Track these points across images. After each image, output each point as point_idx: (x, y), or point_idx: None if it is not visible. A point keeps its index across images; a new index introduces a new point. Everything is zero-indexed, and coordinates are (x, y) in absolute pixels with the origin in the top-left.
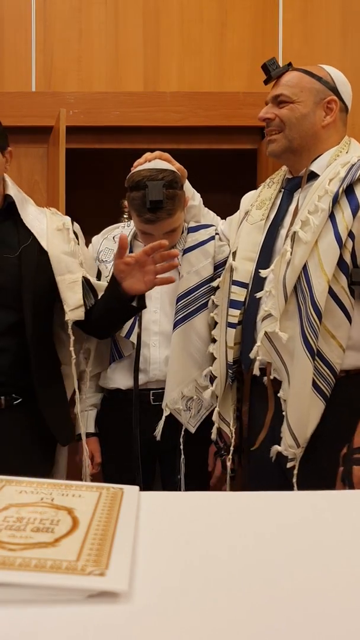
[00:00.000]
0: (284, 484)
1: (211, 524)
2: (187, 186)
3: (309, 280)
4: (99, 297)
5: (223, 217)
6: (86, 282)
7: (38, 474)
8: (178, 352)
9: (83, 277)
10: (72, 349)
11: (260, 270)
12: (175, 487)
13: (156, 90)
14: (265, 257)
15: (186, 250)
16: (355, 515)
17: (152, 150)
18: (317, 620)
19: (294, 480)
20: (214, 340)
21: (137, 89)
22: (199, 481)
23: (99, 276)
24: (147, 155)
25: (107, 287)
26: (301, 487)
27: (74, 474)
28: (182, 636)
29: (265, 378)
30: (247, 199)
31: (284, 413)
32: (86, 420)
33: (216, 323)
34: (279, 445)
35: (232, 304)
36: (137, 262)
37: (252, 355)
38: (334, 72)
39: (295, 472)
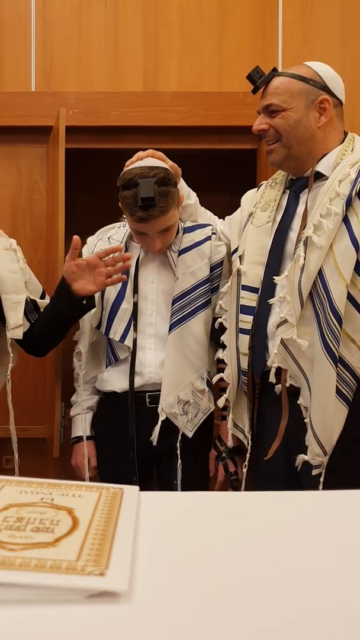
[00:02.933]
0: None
1: (211, 524)
2: (182, 185)
3: (325, 285)
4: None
5: (222, 218)
6: (31, 302)
7: None
8: (174, 355)
9: (28, 297)
10: (11, 365)
11: (274, 277)
12: (172, 490)
13: (156, 90)
14: (275, 261)
15: (182, 251)
16: (355, 515)
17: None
18: (317, 620)
19: (320, 487)
20: (223, 346)
21: (136, 89)
22: (197, 485)
23: (43, 295)
24: (140, 154)
25: (57, 289)
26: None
27: (70, 477)
28: (182, 636)
29: (278, 385)
30: (248, 199)
31: (305, 420)
32: (82, 423)
33: (224, 328)
34: (301, 453)
35: (243, 309)
36: (89, 265)
37: (269, 363)
38: (322, 68)
39: (322, 479)
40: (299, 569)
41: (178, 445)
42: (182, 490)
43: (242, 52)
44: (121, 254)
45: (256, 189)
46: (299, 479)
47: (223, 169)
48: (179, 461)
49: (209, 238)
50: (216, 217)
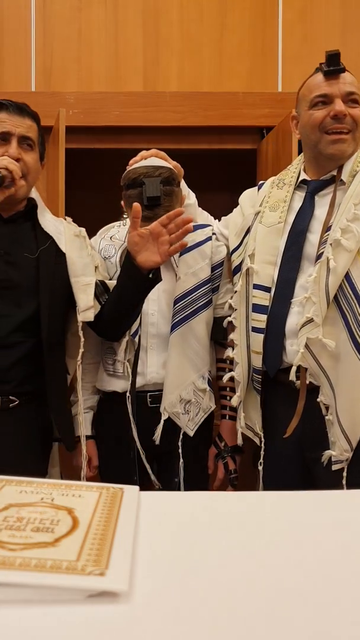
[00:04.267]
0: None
1: (211, 524)
2: (182, 185)
3: (354, 287)
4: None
5: (222, 217)
6: (101, 284)
7: (36, 475)
8: (176, 355)
9: (98, 280)
10: (81, 350)
11: (307, 279)
12: (173, 489)
13: (156, 90)
14: (292, 262)
15: (183, 252)
16: (356, 515)
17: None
18: (318, 620)
19: (344, 482)
20: (223, 345)
21: (136, 89)
22: (198, 484)
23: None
24: (143, 153)
25: (122, 266)
26: (350, 488)
27: (72, 476)
28: (182, 636)
29: (297, 382)
30: (247, 198)
31: (327, 418)
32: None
33: (228, 327)
34: (316, 450)
35: (256, 308)
36: (152, 234)
37: (294, 361)
38: None
39: (345, 474)
40: (299, 569)
41: (180, 444)
42: (183, 488)
43: (242, 52)
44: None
45: (256, 187)
46: (312, 477)
47: (223, 169)
48: (181, 460)
49: (209, 238)
50: (212, 218)
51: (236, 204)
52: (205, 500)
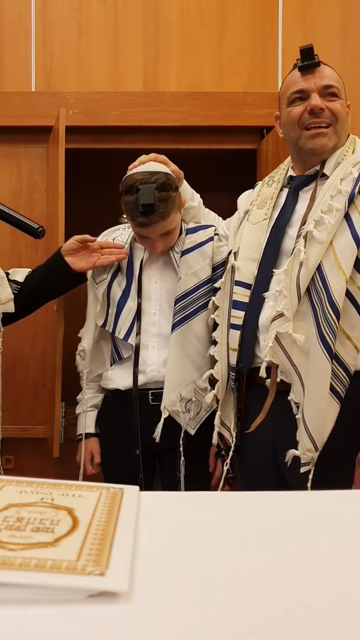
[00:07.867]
0: (280, 489)
1: (211, 524)
2: (186, 187)
3: (324, 280)
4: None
5: (223, 217)
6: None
7: None
8: (176, 354)
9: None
10: (0, 339)
11: (274, 270)
12: (175, 487)
13: (156, 90)
14: (271, 257)
15: (184, 252)
16: (355, 515)
17: (151, 151)
18: (318, 620)
19: (309, 484)
20: (214, 342)
21: (136, 89)
22: (199, 482)
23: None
24: (142, 157)
25: (52, 263)
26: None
27: (71, 477)
28: (182, 636)
29: (268, 380)
30: (244, 199)
31: (297, 417)
32: (86, 420)
33: (216, 325)
34: (295, 449)
35: (235, 304)
36: (87, 246)
37: (262, 356)
38: None
39: (311, 476)
40: (299, 570)
41: (181, 442)
42: (185, 487)
43: (242, 52)
44: (122, 251)
45: (252, 189)
46: (286, 479)
47: (223, 169)
48: (182, 458)
49: (211, 239)
50: (220, 219)
51: (236, 204)
52: (205, 500)
